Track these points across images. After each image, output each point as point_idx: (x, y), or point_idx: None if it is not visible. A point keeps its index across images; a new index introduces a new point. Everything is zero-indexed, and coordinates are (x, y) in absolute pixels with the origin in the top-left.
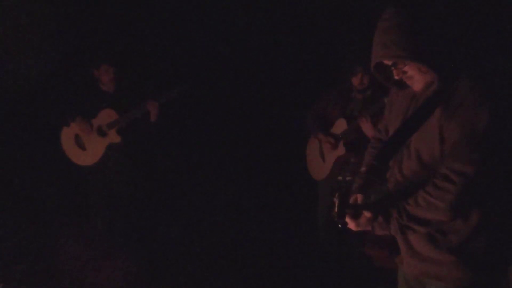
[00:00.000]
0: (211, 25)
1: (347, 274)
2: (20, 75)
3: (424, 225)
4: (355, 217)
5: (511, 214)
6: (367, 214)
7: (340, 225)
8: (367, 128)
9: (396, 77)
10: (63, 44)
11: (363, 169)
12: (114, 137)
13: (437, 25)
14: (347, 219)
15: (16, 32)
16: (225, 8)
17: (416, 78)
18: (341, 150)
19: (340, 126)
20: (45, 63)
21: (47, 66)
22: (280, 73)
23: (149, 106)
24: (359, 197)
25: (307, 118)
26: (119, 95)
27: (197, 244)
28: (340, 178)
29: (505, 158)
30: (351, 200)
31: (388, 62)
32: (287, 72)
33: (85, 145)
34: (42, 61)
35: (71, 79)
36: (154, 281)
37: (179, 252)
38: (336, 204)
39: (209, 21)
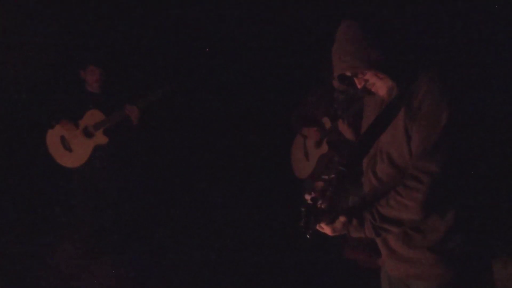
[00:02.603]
0: (196, 25)
1: (332, 274)
2: (6, 77)
3: (397, 225)
4: (330, 222)
5: (487, 210)
6: (342, 218)
7: (308, 236)
8: (344, 130)
9: (359, 86)
10: (49, 45)
11: (332, 176)
12: (101, 138)
13: (387, 33)
14: (323, 225)
15: (2, 34)
16: (211, 10)
17: (377, 84)
18: (324, 148)
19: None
20: (31, 64)
21: (34, 67)
22: (265, 73)
23: (128, 111)
24: (335, 203)
25: (292, 118)
26: (106, 96)
27: (186, 245)
28: (325, 177)
29: (473, 154)
30: (325, 205)
31: (349, 73)
32: (272, 73)
33: (71, 147)
34: (29, 62)
35: (57, 80)
36: (143, 283)
37: (168, 253)
38: (303, 215)
39: (195, 22)
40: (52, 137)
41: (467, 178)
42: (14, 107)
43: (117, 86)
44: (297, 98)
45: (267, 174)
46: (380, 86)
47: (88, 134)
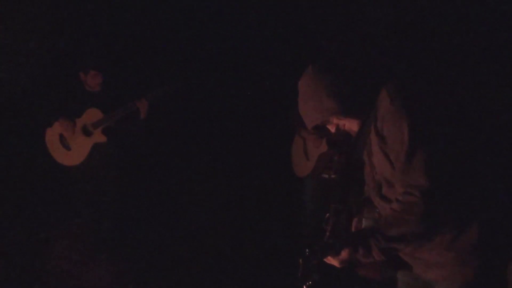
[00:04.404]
0: (200, 24)
1: (336, 271)
2: (5, 75)
3: (403, 241)
4: (336, 254)
5: (500, 206)
6: (346, 249)
7: (305, 286)
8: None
9: (333, 131)
10: (48, 43)
11: (332, 175)
12: (99, 137)
13: (337, 79)
14: (329, 258)
15: (3, 33)
16: (214, 9)
17: (347, 124)
18: (324, 147)
19: None
20: (30, 62)
21: (33, 65)
22: (265, 72)
23: (139, 104)
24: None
25: (292, 116)
26: (105, 94)
27: (185, 244)
28: (325, 176)
29: (454, 154)
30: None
31: (319, 123)
32: (273, 71)
33: (70, 145)
34: (28, 61)
35: (55, 79)
36: (142, 283)
37: (166, 252)
38: (301, 266)
39: (199, 20)
40: (51, 136)
41: (460, 180)
42: (13, 105)
43: (116, 85)
44: (297, 97)
45: (267, 173)
46: (349, 124)
47: (86, 132)
